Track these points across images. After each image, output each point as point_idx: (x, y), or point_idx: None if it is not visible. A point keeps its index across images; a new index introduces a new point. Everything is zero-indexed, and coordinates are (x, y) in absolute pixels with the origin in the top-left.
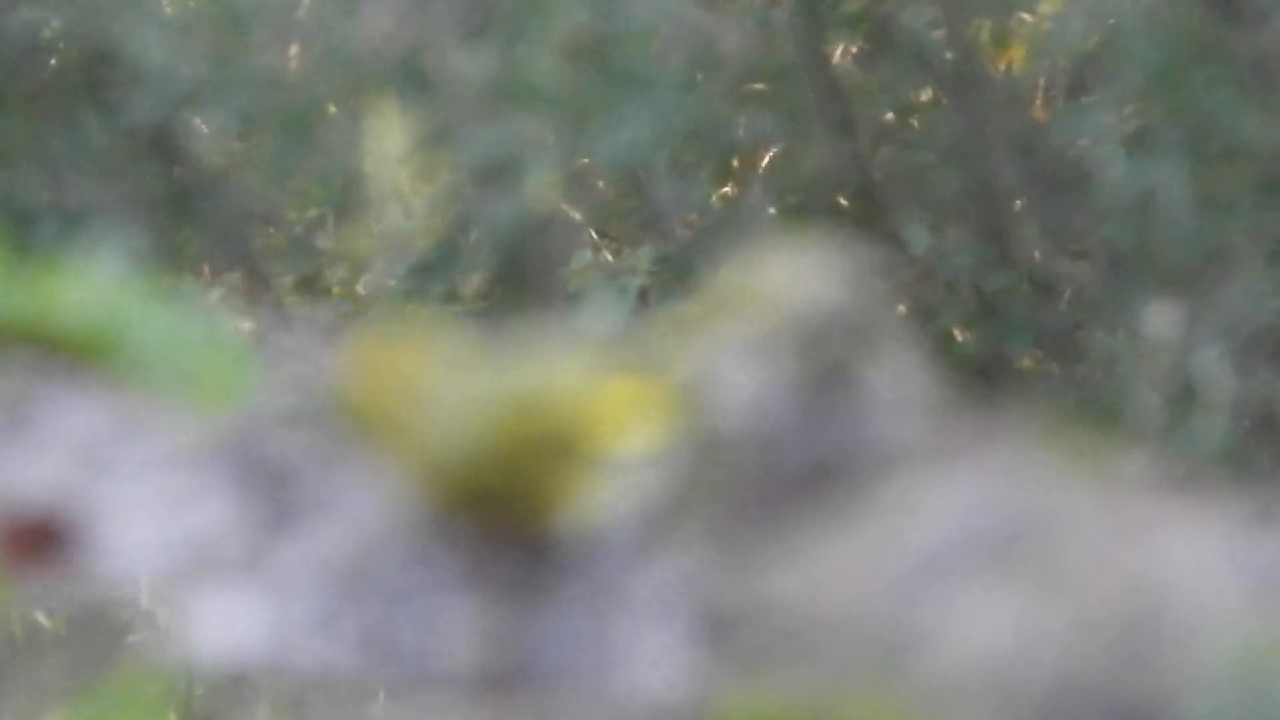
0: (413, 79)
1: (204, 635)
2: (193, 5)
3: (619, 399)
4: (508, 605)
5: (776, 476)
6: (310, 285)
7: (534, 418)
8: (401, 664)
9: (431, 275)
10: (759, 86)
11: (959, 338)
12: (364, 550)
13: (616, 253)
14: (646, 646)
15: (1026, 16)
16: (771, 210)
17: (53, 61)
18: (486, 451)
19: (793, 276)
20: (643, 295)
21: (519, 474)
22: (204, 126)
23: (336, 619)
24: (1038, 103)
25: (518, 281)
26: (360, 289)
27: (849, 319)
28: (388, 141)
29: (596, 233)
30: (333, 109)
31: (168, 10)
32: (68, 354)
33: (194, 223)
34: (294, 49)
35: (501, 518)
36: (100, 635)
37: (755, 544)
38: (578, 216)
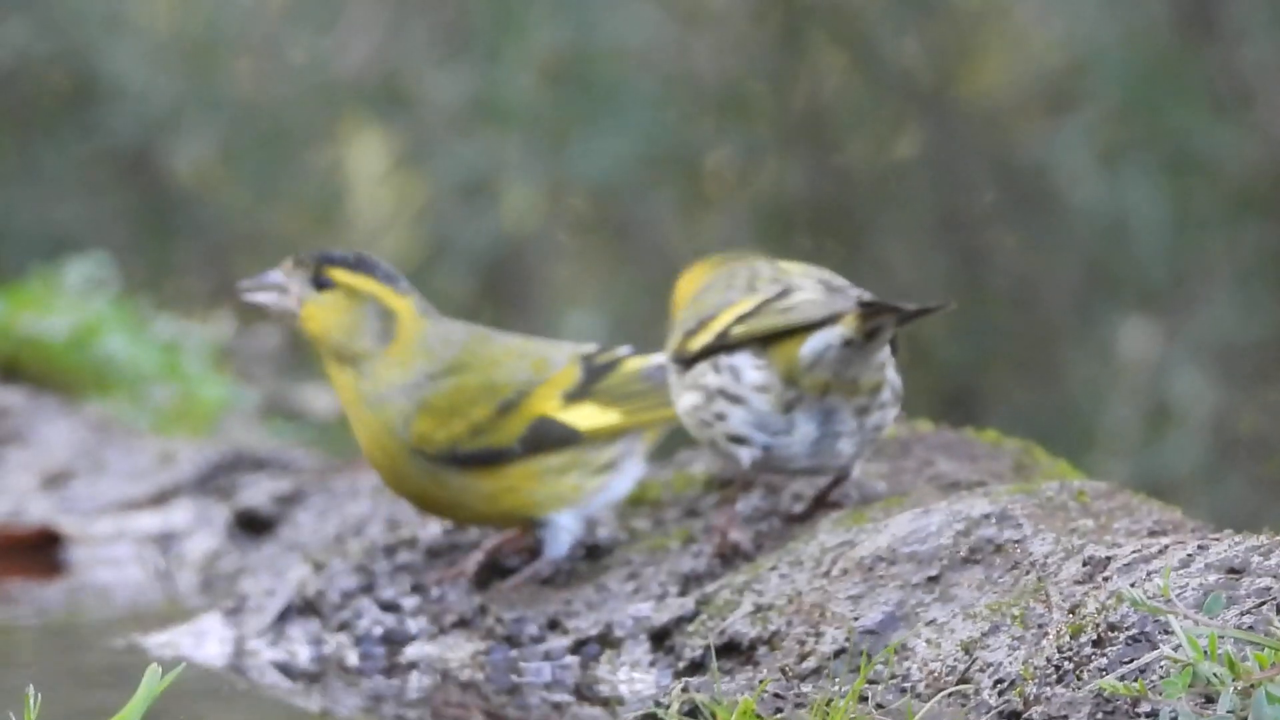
0: (390, 99)
1: (175, 645)
2: (172, 28)
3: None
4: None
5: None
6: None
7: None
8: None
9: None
10: (736, 106)
11: (937, 354)
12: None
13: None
14: (616, 646)
15: (1002, 36)
16: (750, 228)
17: (35, 84)
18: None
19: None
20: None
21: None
22: (183, 146)
23: (289, 630)
24: (1013, 122)
25: (497, 297)
26: None
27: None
28: (366, 161)
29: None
30: (311, 129)
31: (148, 33)
32: (45, 373)
33: (174, 240)
34: (273, 70)
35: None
36: (75, 643)
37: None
38: (557, 234)
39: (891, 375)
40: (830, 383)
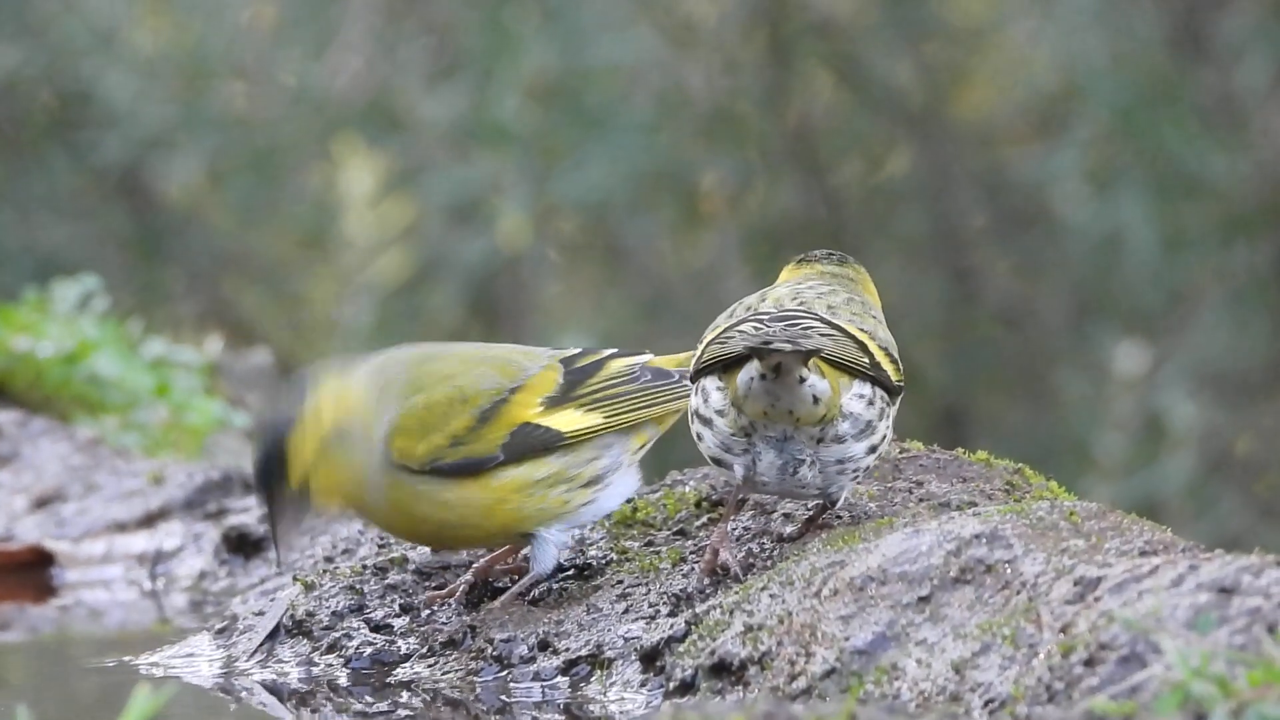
0: (382, 120)
1: (165, 665)
2: (161, 48)
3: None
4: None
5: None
6: (279, 322)
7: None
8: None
9: (402, 312)
10: (727, 127)
11: (929, 375)
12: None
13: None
14: (607, 664)
15: (993, 58)
16: (741, 249)
17: (24, 104)
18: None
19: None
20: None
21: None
22: (173, 168)
23: (277, 650)
24: (1004, 143)
25: (488, 317)
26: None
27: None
28: (357, 182)
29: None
30: (301, 150)
31: (138, 55)
32: (36, 395)
33: (163, 262)
34: (262, 91)
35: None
36: (66, 663)
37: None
38: (548, 254)
39: (857, 409)
40: (768, 412)
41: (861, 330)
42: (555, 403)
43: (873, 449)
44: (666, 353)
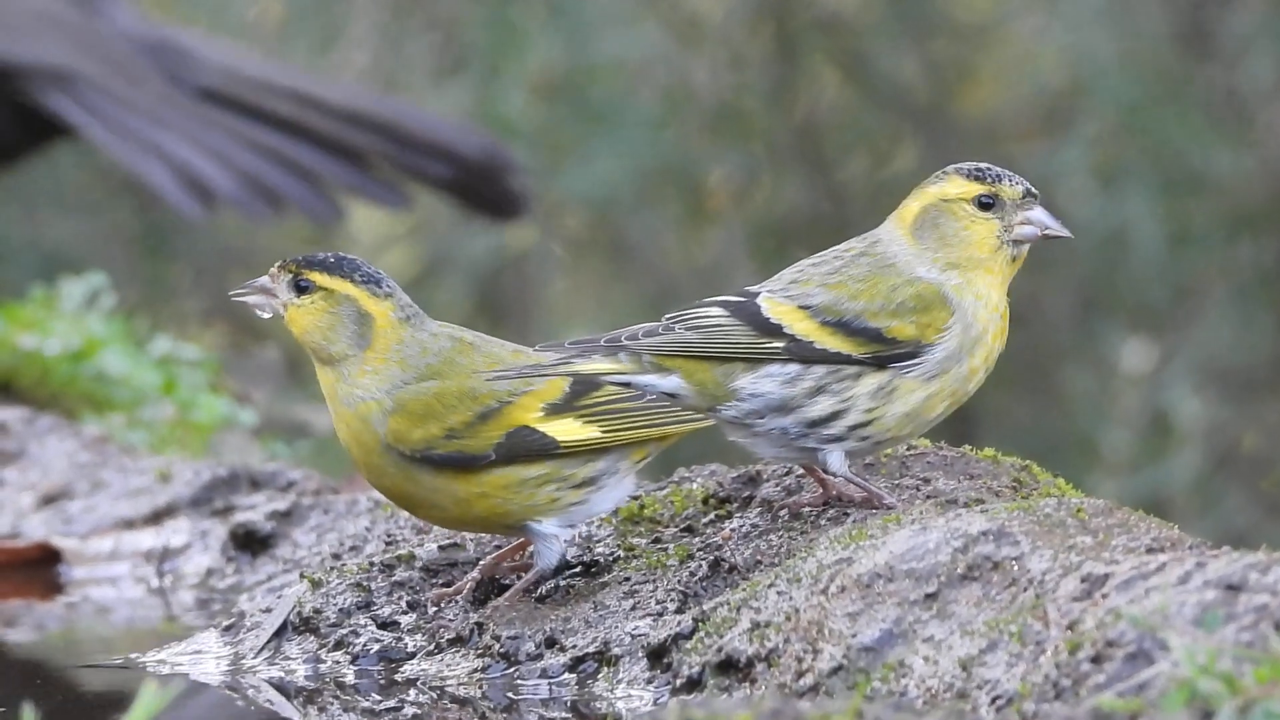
0: None
1: (172, 663)
2: None
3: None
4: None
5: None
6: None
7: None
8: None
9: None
10: (733, 123)
11: None
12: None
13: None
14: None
15: (999, 53)
16: (747, 245)
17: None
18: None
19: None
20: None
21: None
22: None
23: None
24: (1009, 138)
25: (494, 313)
26: None
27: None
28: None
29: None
30: None
31: None
32: (43, 393)
33: (169, 259)
34: None
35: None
36: (70, 659)
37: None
38: (554, 250)
39: (767, 388)
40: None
41: (801, 308)
42: (557, 410)
43: (810, 422)
44: None
